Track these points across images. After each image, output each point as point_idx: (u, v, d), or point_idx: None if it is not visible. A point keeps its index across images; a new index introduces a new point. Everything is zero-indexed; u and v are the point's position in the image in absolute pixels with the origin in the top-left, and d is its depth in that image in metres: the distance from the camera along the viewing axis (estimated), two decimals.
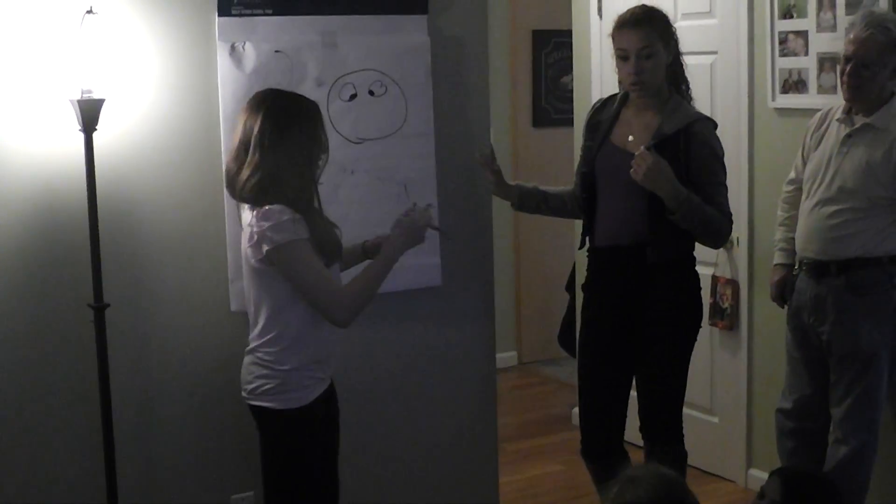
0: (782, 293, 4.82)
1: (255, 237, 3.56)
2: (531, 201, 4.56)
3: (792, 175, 4.81)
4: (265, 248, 3.54)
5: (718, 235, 4.31)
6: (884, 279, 4.51)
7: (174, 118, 4.00)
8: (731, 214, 4.31)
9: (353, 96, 4.21)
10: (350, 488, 4.34)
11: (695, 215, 4.14)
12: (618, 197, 4.27)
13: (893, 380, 4.65)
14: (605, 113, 4.40)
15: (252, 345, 3.70)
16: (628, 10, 4.29)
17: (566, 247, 7.03)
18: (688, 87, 4.40)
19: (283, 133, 3.56)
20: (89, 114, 3.71)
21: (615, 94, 4.43)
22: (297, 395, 3.66)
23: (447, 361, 4.54)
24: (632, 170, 4.09)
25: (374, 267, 3.72)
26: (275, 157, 3.56)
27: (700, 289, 4.41)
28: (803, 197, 4.67)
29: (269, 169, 3.56)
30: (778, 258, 4.86)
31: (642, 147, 4.09)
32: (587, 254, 4.49)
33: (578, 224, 5.96)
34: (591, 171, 4.35)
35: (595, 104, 4.53)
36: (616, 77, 4.35)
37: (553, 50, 7.76)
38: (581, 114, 6.03)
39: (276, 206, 3.55)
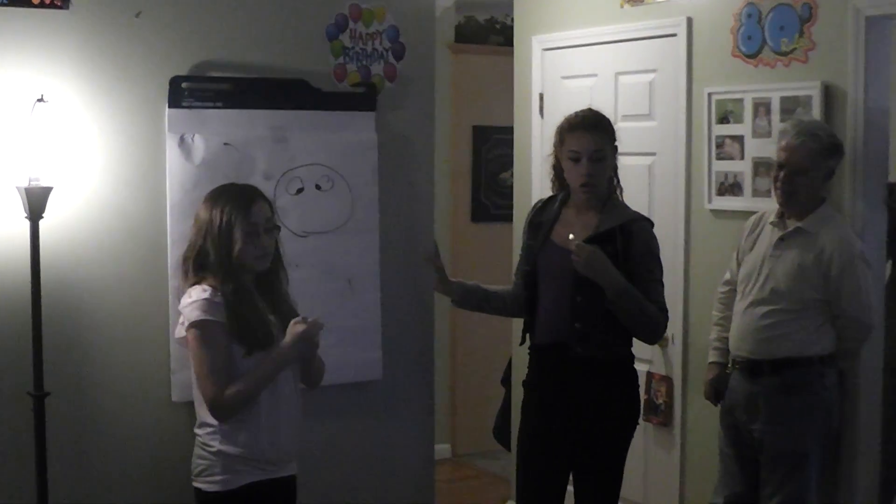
0: (716, 391, 4.86)
1: (180, 314, 3.69)
2: (472, 299, 4.57)
3: (727, 276, 4.88)
4: (185, 325, 3.66)
5: (655, 329, 4.34)
6: (815, 379, 4.57)
7: (121, 207, 3.99)
8: (667, 311, 4.36)
9: (301, 190, 4.23)
10: None
11: (633, 305, 4.19)
12: (559, 295, 4.30)
13: (823, 478, 4.70)
14: (547, 213, 4.44)
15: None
16: (579, 114, 4.36)
17: (502, 341, 7.03)
18: (621, 190, 4.46)
19: (211, 216, 3.68)
20: (36, 201, 3.71)
21: (556, 195, 4.47)
22: (221, 478, 3.69)
23: (386, 454, 4.52)
24: (573, 261, 4.14)
25: (261, 369, 3.69)
26: (206, 240, 3.67)
27: (638, 386, 4.44)
28: (737, 297, 4.73)
29: (201, 251, 3.68)
30: (712, 357, 4.91)
31: (579, 241, 4.15)
32: (528, 351, 4.51)
33: (516, 319, 6.00)
34: (532, 269, 4.39)
35: (536, 204, 4.58)
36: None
37: (493, 146, 7.83)
38: (521, 210, 6.08)
39: (199, 286, 3.66)
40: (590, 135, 4.28)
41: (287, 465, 3.82)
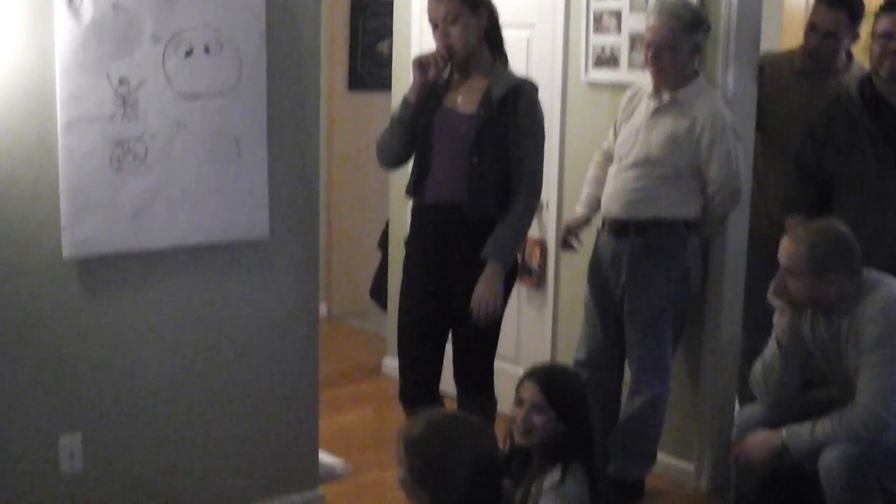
0: (566, 238, 4.96)
1: None
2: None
3: (604, 146, 4.93)
4: None
5: (531, 217, 4.40)
6: (677, 242, 4.65)
7: (7, 67, 3.78)
8: (540, 178, 4.36)
9: (190, 52, 4.06)
10: (182, 431, 4.30)
11: (519, 240, 4.35)
12: (453, 157, 4.27)
13: (679, 338, 4.84)
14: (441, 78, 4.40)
15: None
16: None
17: (376, 205, 7.04)
18: (506, 62, 4.42)
19: None
20: None
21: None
22: None
23: (272, 311, 4.46)
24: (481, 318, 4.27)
25: None
26: None
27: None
28: (613, 165, 4.77)
29: None
30: (577, 209, 5.01)
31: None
32: (412, 211, 4.49)
33: (393, 184, 5.98)
34: (428, 124, 4.33)
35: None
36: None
37: (371, 17, 7.69)
38: (400, 78, 6.02)
39: None
40: (440, 1, 4.24)
41: None
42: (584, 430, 3.60)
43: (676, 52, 4.55)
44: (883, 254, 4.32)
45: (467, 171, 4.23)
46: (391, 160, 4.49)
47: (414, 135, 4.36)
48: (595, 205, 4.91)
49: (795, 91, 5.09)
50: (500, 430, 4.03)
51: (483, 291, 4.25)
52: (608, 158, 4.85)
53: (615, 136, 4.83)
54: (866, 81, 4.63)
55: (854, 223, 4.02)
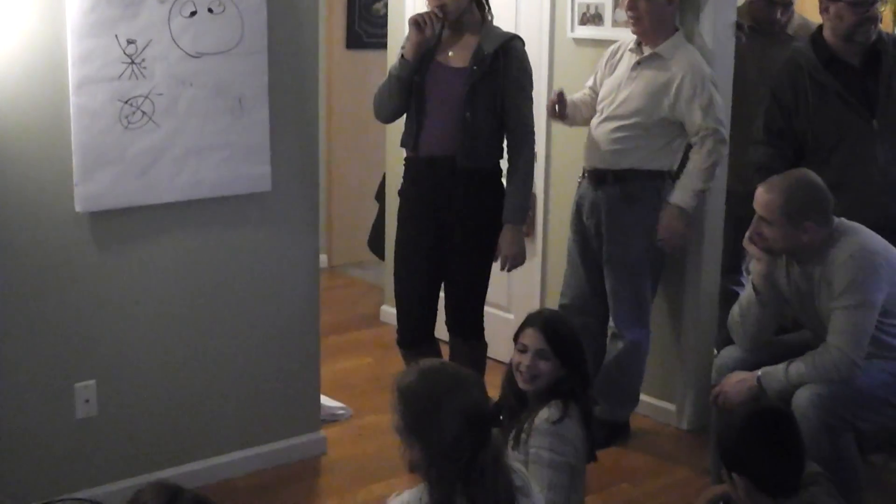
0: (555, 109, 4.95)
1: None
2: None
3: (588, 82, 5.03)
4: None
5: (533, 166, 4.56)
6: (652, 192, 4.75)
7: (21, 30, 3.85)
8: (532, 126, 4.49)
9: (194, 13, 4.15)
10: (191, 377, 4.42)
11: (528, 197, 4.53)
12: (448, 111, 4.37)
13: (656, 282, 4.94)
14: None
15: None
16: None
17: (374, 159, 7.11)
18: (492, 17, 4.51)
19: None
20: None
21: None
22: None
23: (275, 262, 4.56)
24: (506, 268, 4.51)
25: None
26: None
27: (503, 196, 4.53)
28: (595, 116, 4.87)
29: None
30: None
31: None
32: (405, 163, 4.60)
33: (389, 138, 6.05)
34: (421, 81, 4.42)
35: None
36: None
37: None
38: (395, 38, 6.08)
39: None
40: None
41: None
42: (581, 373, 3.70)
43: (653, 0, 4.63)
44: (872, 211, 4.33)
45: (460, 125, 4.34)
46: (388, 115, 4.59)
47: (410, 90, 4.45)
48: (572, 109, 4.95)
49: (748, 48, 5.13)
50: (490, 375, 4.16)
51: (509, 250, 4.43)
52: (590, 95, 4.98)
53: (594, 80, 4.97)
54: (818, 41, 4.62)
55: (838, 183, 4.05)
